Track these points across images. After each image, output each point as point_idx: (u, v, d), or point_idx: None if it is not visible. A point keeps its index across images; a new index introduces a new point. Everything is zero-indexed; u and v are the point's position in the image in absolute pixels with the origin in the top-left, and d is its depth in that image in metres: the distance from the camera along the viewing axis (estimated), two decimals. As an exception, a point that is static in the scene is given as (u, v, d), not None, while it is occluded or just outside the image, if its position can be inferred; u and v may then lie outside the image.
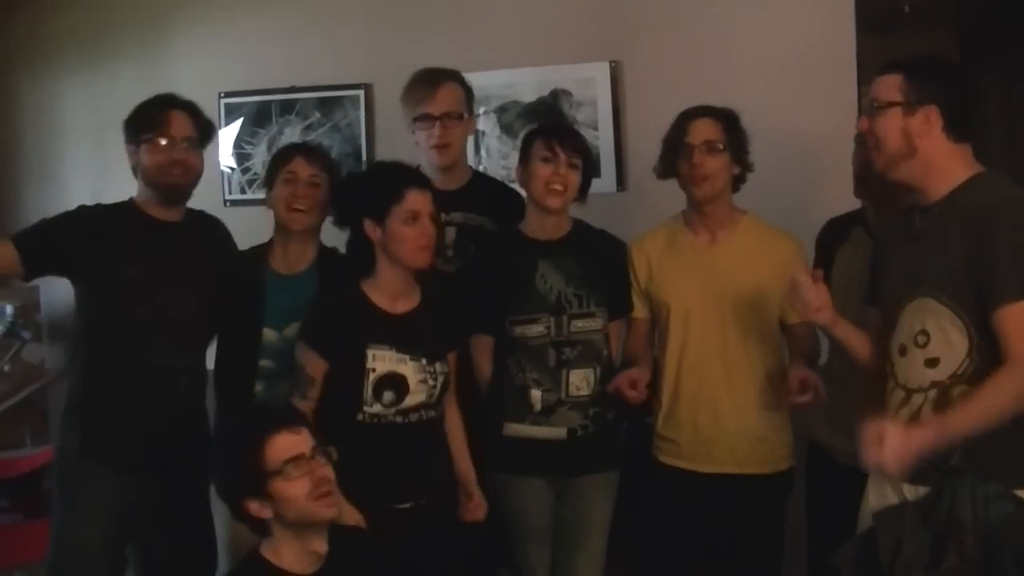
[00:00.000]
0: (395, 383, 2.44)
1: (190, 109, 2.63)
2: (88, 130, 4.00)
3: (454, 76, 2.90)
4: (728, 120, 2.62)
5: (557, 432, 2.64)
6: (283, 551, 2.02)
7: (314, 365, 2.46)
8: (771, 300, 2.63)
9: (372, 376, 2.43)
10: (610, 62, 3.53)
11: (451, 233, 2.85)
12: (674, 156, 2.62)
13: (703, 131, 2.60)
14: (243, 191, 3.93)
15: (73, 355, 2.67)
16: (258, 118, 3.90)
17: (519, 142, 2.81)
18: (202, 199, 2.81)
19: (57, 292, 3.47)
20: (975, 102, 2.24)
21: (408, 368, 2.46)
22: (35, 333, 3.98)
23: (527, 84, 3.59)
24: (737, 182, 2.67)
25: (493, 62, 3.53)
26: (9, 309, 3.88)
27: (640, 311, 2.75)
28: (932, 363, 2.10)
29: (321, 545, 2.05)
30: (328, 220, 2.66)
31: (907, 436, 1.97)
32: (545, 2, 3.61)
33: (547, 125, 2.83)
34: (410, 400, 2.45)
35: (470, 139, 3.13)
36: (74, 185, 3.96)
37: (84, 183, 3.89)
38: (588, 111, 3.54)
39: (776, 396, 2.62)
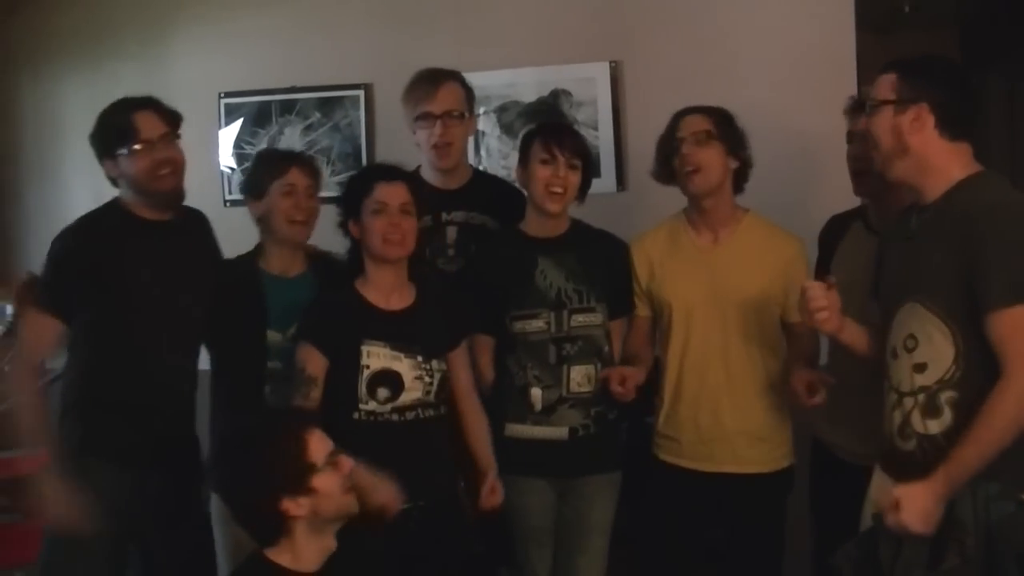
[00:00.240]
0: (389, 380, 2.45)
1: (150, 104, 2.57)
2: (89, 130, 3.99)
3: (455, 76, 2.90)
4: (720, 115, 2.63)
5: (558, 432, 2.64)
6: (302, 551, 2.00)
7: (314, 363, 2.46)
8: (773, 299, 2.63)
9: (366, 373, 2.44)
10: (610, 62, 3.53)
11: (452, 232, 2.86)
12: (668, 155, 2.63)
13: (691, 124, 2.61)
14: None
15: (71, 354, 2.65)
16: (258, 118, 3.90)
17: (519, 142, 2.81)
18: (202, 199, 2.82)
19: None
20: (973, 100, 2.22)
21: (403, 365, 2.46)
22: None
23: (527, 84, 3.59)
24: (739, 180, 2.67)
25: (493, 62, 3.54)
26: (9, 309, 3.87)
27: (642, 310, 2.75)
28: (920, 368, 2.10)
29: (332, 542, 2.05)
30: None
31: (922, 495, 1.97)
32: (545, 2, 3.62)
33: (546, 125, 2.83)
34: (406, 397, 2.45)
35: (470, 139, 3.13)
36: (74, 185, 3.96)
37: (84, 183, 3.87)
38: (588, 111, 3.54)
39: (777, 396, 2.62)
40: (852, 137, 2.72)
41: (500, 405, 2.67)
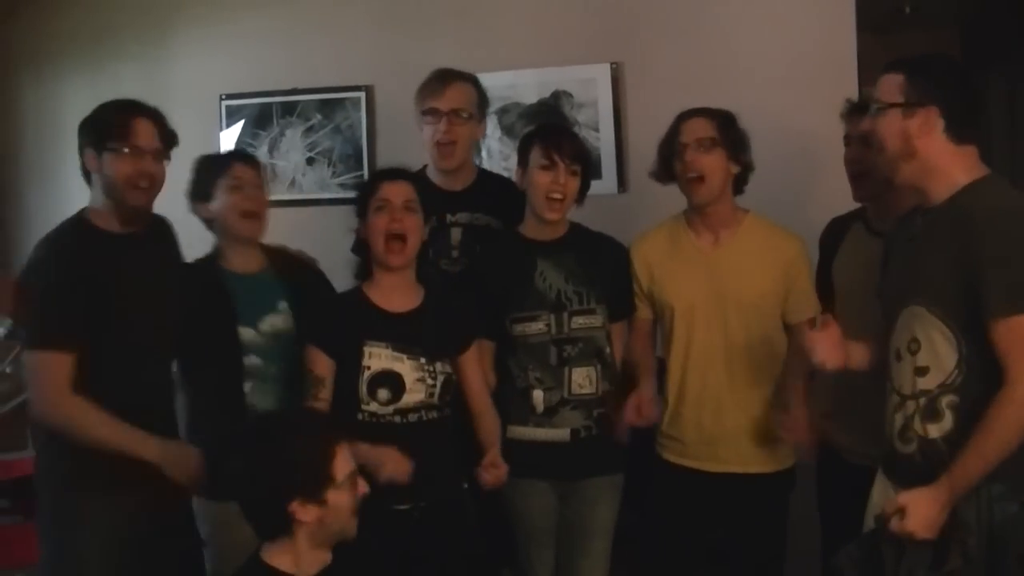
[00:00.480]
0: (390, 381, 2.45)
1: (156, 117, 2.52)
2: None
3: (468, 78, 2.91)
4: (722, 119, 2.62)
5: (560, 434, 2.64)
6: (302, 556, 2.00)
7: (321, 364, 2.46)
8: (774, 299, 2.64)
9: (367, 374, 2.44)
10: (611, 63, 3.53)
11: (456, 234, 2.85)
12: (669, 158, 2.63)
13: (695, 129, 2.60)
14: (244, 192, 3.93)
15: None
16: (259, 120, 3.91)
17: (518, 143, 2.80)
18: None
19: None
20: (980, 103, 2.20)
21: (405, 366, 2.46)
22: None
23: (528, 85, 3.59)
24: (739, 183, 2.67)
25: (494, 63, 3.54)
26: (5, 309, 3.87)
27: (643, 312, 2.75)
28: (921, 372, 2.09)
29: (328, 556, 2.05)
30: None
31: (925, 503, 1.98)
32: (546, 4, 3.62)
33: (544, 128, 2.82)
34: (408, 399, 2.45)
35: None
36: (75, 185, 3.88)
37: (84, 183, 3.89)
38: (589, 112, 3.54)
39: (780, 395, 2.63)
40: (850, 141, 2.72)
41: (502, 407, 2.66)
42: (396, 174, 2.55)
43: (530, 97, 3.60)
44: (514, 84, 3.56)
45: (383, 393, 2.44)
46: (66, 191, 3.97)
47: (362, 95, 3.79)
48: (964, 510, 1.98)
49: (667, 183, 2.68)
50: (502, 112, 3.63)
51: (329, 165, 3.84)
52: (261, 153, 3.88)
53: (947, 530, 1.98)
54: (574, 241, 2.70)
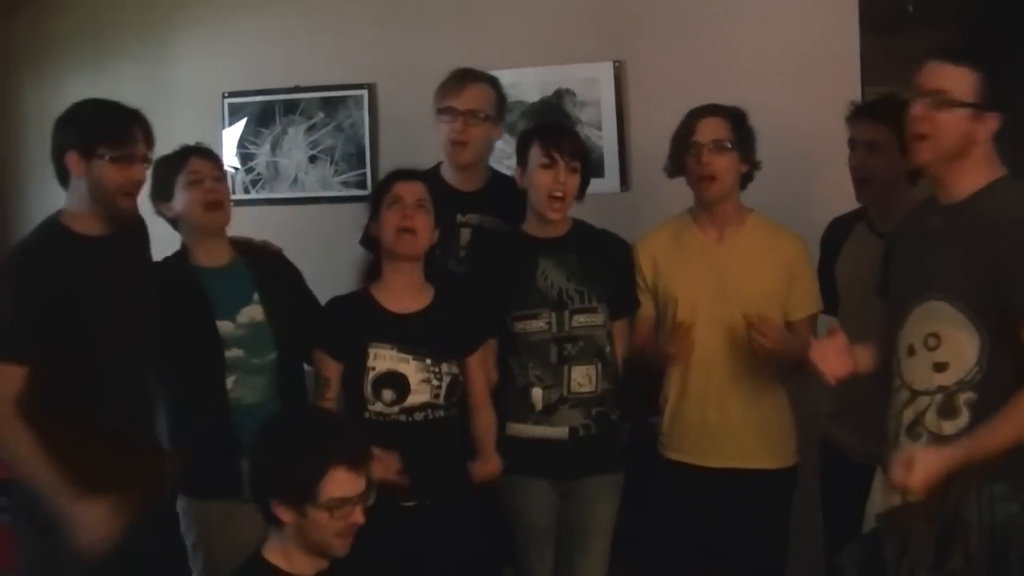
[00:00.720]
0: (395, 382, 2.46)
1: (144, 121, 2.46)
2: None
3: (488, 79, 2.90)
4: (736, 118, 2.63)
5: (558, 432, 2.64)
6: (292, 554, 2.02)
7: (328, 366, 2.51)
8: (776, 297, 2.64)
9: (372, 374, 2.45)
10: (614, 62, 3.53)
11: (466, 235, 2.85)
12: (683, 154, 2.62)
13: (711, 130, 2.60)
14: (247, 191, 3.93)
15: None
16: (262, 118, 3.91)
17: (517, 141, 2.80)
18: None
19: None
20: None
21: (409, 367, 2.47)
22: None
23: (531, 84, 3.59)
24: (744, 180, 2.68)
25: (497, 62, 3.52)
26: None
27: (647, 308, 2.75)
28: (940, 367, 2.08)
29: (324, 561, 2.05)
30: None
31: (936, 459, 1.97)
32: (548, 2, 3.62)
33: (543, 126, 2.83)
34: (413, 399, 2.46)
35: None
36: (77, 185, 3.96)
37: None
38: (592, 111, 3.54)
39: (782, 392, 2.65)
40: (855, 145, 2.71)
41: (502, 405, 2.66)
42: (410, 175, 2.57)
43: (533, 96, 3.59)
44: (517, 82, 3.55)
45: (388, 394, 2.45)
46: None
47: (364, 93, 3.79)
48: (966, 510, 1.98)
49: (677, 177, 2.68)
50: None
51: (331, 163, 3.84)
52: (263, 151, 3.90)
53: (949, 530, 1.98)
54: (576, 239, 2.70)
